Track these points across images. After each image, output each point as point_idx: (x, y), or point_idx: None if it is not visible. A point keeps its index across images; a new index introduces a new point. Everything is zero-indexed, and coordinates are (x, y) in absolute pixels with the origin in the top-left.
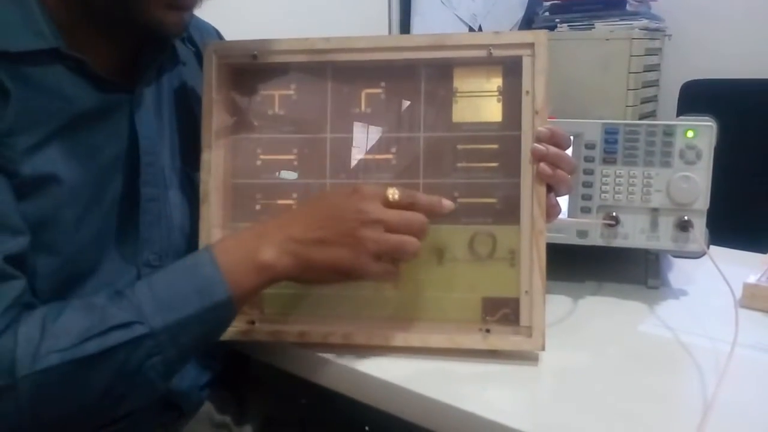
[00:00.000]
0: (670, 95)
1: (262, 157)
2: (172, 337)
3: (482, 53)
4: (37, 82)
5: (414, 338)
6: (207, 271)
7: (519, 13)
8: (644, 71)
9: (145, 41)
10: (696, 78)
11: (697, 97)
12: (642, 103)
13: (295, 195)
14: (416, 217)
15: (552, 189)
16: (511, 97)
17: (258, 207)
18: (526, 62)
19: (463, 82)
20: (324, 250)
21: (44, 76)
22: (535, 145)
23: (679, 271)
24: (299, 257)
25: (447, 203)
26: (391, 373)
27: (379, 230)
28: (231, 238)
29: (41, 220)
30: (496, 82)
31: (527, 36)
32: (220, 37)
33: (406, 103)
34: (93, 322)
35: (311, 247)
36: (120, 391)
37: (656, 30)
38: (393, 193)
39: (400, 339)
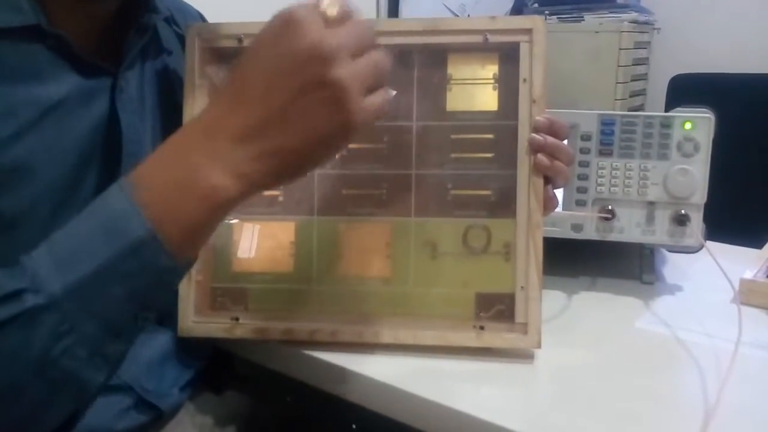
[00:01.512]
0: (658, 89)
1: None
2: (82, 305)
3: (478, 39)
4: (16, 63)
5: (405, 335)
6: (117, 203)
7: (508, 4)
8: (633, 64)
9: (126, 23)
10: (684, 72)
11: (686, 91)
12: (631, 96)
13: (281, 186)
14: (366, 24)
15: (549, 181)
16: (508, 85)
17: None
18: (523, 49)
19: (457, 69)
20: (296, 123)
21: (23, 57)
22: (533, 135)
23: (674, 266)
24: (265, 157)
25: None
26: (381, 371)
27: (347, 60)
28: (152, 157)
29: (15, 216)
30: (491, 69)
31: (525, 21)
32: (203, 20)
33: (398, 91)
34: None
35: (277, 130)
36: (35, 390)
37: (645, 23)
38: (330, 6)
39: (390, 336)
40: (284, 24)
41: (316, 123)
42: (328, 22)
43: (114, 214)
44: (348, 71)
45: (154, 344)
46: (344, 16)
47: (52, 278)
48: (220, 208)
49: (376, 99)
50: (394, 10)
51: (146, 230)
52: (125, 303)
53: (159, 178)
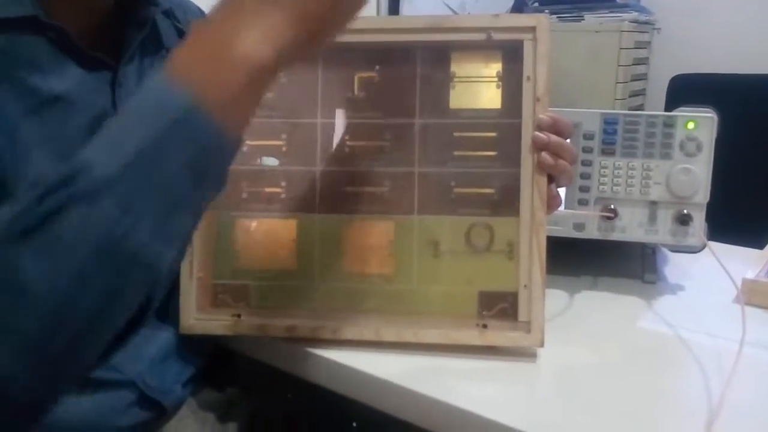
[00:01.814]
0: (658, 89)
1: (248, 142)
2: (138, 179)
3: (481, 36)
4: (16, 54)
5: (407, 333)
6: (159, 83)
7: (508, 3)
8: (633, 64)
9: (124, 15)
10: (684, 72)
11: (685, 91)
12: (630, 96)
13: (283, 183)
14: None
15: (552, 179)
16: (511, 82)
17: (245, 195)
18: (527, 47)
19: (460, 67)
20: None
21: (24, 48)
22: (537, 133)
23: (675, 265)
24: (293, 17)
25: None
26: (384, 369)
27: None
28: (190, 40)
29: None
30: (495, 67)
31: (529, 19)
32: (204, 16)
33: (401, 88)
34: (29, 196)
35: None
36: (102, 277)
37: (645, 23)
38: None
39: (392, 334)
40: None
41: None
42: None
43: (154, 94)
44: None
45: (156, 341)
46: None
47: (102, 161)
48: (256, 75)
49: None
50: (394, 8)
51: (187, 100)
52: (181, 174)
53: (194, 53)
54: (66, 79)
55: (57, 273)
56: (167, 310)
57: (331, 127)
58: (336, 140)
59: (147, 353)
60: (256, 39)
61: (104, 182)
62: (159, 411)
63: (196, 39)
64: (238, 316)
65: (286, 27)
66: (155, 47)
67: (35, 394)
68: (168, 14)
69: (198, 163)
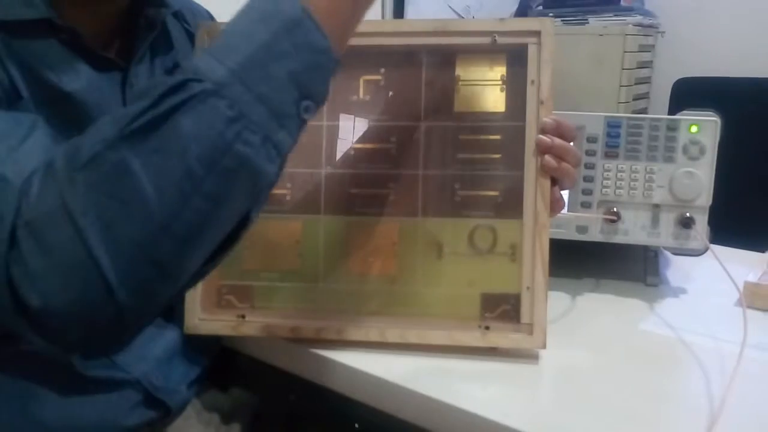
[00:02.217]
0: (661, 92)
1: None
2: (249, 86)
3: (486, 40)
4: (29, 55)
5: (410, 334)
6: None
7: (512, 6)
8: (637, 68)
9: (135, 17)
10: (688, 75)
11: (689, 94)
12: (634, 99)
13: (288, 184)
14: None
15: (556, 182)
16: (516, 86)
17: None
18: (531, 51)
19: (465, 70)
20: None
21: (37, 49)
22: (540, 136)
23: (678, 268)
24: None
25: None
26: (387, 370)
27: None
28: None
29: None
30: (499, 71)
31: (533, 23)
32: (212, 19)
33: (407, 91)
34: (141, 101)
35: None
36: (210, 184)
37: (650, 27)
38: None
39: (396, 335)
40: None
41: None
42: None
43: (268, 3)
44: None
45: (162, 341)
46: None
47: (214, 67)
48: None
49: None
50: (399, 12)
51: (299, 9)
52: (287, 84)
53: None
54: (77, 79)
55: (167, 176)
56: (172, 310)
57: (337, 130)
58: (341, 143)
59: (152, 353)
60: None
61: (215, 86)
62: (164, 411)
63: None
64: (243, 316)
65: None
66: (166, 48)
67: (139, 302)
68: (177, 16)
69: (302, 74)
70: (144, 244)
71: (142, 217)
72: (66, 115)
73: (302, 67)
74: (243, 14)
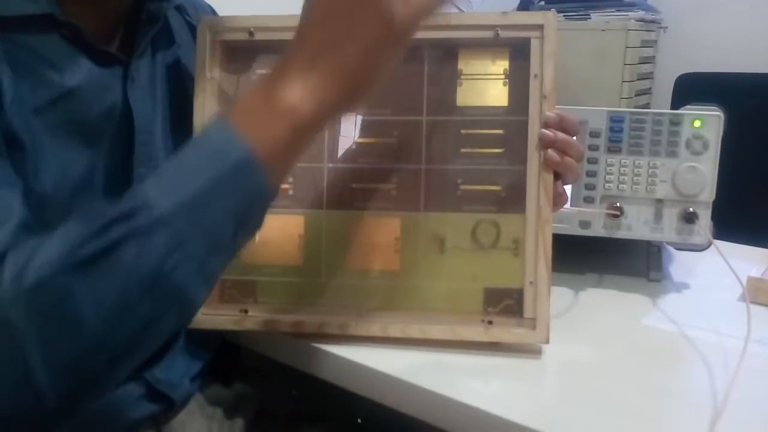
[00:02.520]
0: (664, 88)
1: None
2: (191, 221)
3: (489, 34)
4: (31, 50)
5: (413, 329)
6: (217, 133)
7: (514, 1)
8: (639, 63)
9: (137, 12)
10: (690, 71)
11: (692, 89)
12: (637, 95)
13: (290, 179)
14: None
15: (559, 177)
16: (518, 80)
17: None
18: (534, 44)
19: (468, 64)
20: (351, 38)
21: (38, 45)
22: (543, 130)
23: (681, 264)
24: (335, 72)
25: None
26: (389, 364)
27: None
28: (245, 95)
29: (42, 196)
30: (502, 65)
31: (536, 17)
32: (214, 13)
33: (409, 86)
34: (91, 224)
35: (337, 49)
36: (145, 308)
37: (652, 22)
38: None
39: (398, 330)
40: None
41: (368, 30)
42: None
43: (215, 141)
44: None
45: None
46: None
47: (161, 198)
48: (301, 128)
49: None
50: None
51: (245, 153)
52: (226, 220)
53: (250, 105)
54: (78, 73)
55: (107, 301)
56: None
57: (339, 125)
58: (343, 137)
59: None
60: (303, 96)
61: (160, 218)
62: (167, 404)
63: (253, 92)
64: (245, 311)
65: (330, 85)
66: (167, 42)
67: (65, 406)
68: (180, 9)
69: (243, 211)
70: (78, 361)
71: (79, 338)
72: (69, 111)
73: (242, 207)
74: (194, 147)
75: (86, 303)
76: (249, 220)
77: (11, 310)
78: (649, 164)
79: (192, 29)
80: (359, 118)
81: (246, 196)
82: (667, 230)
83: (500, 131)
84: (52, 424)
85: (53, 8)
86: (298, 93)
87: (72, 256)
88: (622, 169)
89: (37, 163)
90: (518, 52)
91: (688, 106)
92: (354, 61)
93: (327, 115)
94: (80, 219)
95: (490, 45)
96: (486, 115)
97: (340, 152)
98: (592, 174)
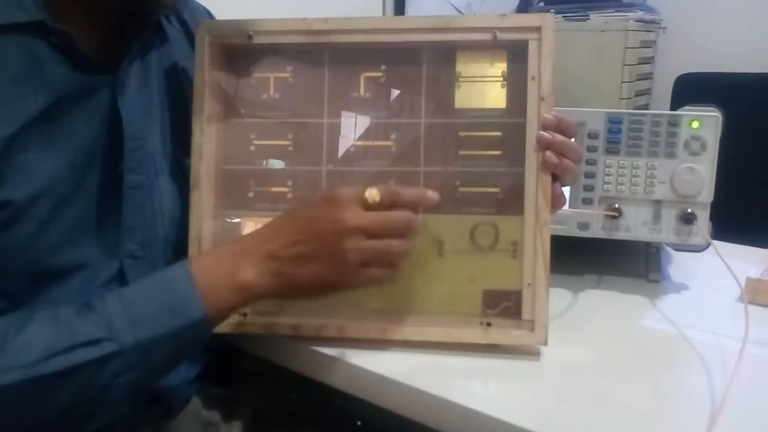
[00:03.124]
0: (663, 88)
1: (255, 142)
2: (143, 356)
3: (486, 36)
4: (18, 59)
5: (412, 332)
6: (182, 288)
7: (513, 2)
8: (639, 63)
9: (131, 18)
10: (690, 71)
11: (691, 90)
12: (636, 95)
13: (289, 182)
14: (399, 217)
15: (557, 178)
16: (516, 82)
17: (251, 194)
18: (532, 47)
19: (466, 67)
20: (305, 266)
21: (26, 53)
22: (541, 132)
23: (679, 264)
24: (281, 275)
25: (432, 194)
26: (388, 367)
27: (360, 239)
28: (208, 255)
29: (15, 210)
30: (500, 67)
31: (534, 19)
32: (212, 17)
33: (407, 88)
34: (59, 337)
35: (293, 263)
36: (83, 409)
37: (651, 22)
38: (372, 195)
39: (397, 332)
40: (330, 196)
41: (319, 272)
42: (367, 205)
43: (180, 296)
44: (353, 246)
45: None
46: (384, 204)
47: (125, 332)
48: (246, 299)
49: (369, 276)
50: (400, 8)
51: (202, 314)
52: (170, 358)
53: (212, 272)
54: (66, 82)
55: (57, 404)
56: None
57: (338, 127)
58: (342, 140)
59: None
60: (255, 276)
61: (121, 350)
62: (165, 409)
63: (219, 259)
64: (244, 314)
65: (274, 276)
66: (160, 41)
67: None
68: (170, 20)
69: (184, 352)
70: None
71: (25, 424)
72: (57, 119)
73: (184, 350)
74: (160, 288)
75: (39, 405)
76: (185, 356)
77: None
78: (647, 165)
79: (188, 36)
80: (359, 120)
81: (190, 344)
82: (666, 231)
83: (498, 133)
84: None
85: (42, 15)
86: (252, 274)
87: (39, 367)
88: (620, 170)
89: (12, 169)
90: (516, 55)
91: (686, 107)
92: (298, 279)
93: (262, 297)
94: (50, 323)
95: (488, 47)
96: (484, 117)
97: (340, 155)
98: (590, 175)
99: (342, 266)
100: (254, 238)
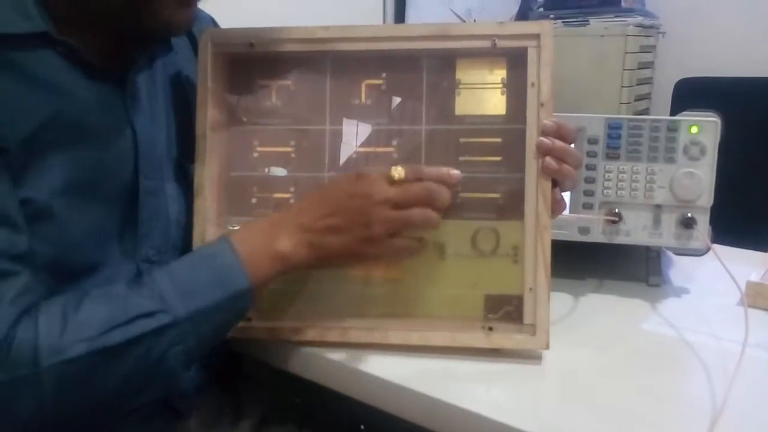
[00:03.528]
0: (663, 93)
1: (258, 149)
2: (195, 326)
3: (486, 44)
4: (26, 68)
5: (414, 336)
6: (227, 260)
7: (513, 8)
8: (638, 68)
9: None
10: (689, 76)
11: (691, 95)
12: (636, 100)
13: (292, 189)
14: (423, 188)
15: (557, 184)
16: (516, 89)
17: (254, 201)
18: (531, 53)
19: (466, 74)
20: (337, 237)
21: (33, 63)
22: (541, 138)
23: (680, 269)
24: (314, 246)
25: (454, 172)
26: (391, 371)
27: (386, 209)
28: (246, 229)
29: (35, 211)
30: (500, 74)
31: (533, 27)
32: (215, 25)
33: (408, 95)
34: (116, 312)
35: (325, 235)
36: (141, 380)
37: (651, 27)
38: (398, 172)
39: (399, 337)
40: (359, 175)
41: (349, 242)
42: (393, 182)
43: (226, 268)
44: (380, 216)
45: None
46: (409, 180)
47: (177, 304)
48: (283, 269)
49: (397, 243)
50: (400, 16)
51: (248, 283)
52: (218, 329)
53: (252, 244)
54: (77, 91)
55: (117, 376)
56: None
57: (340, 134)
58: (343, 147)
59: None
60: (290, 247)
61: (174, 321)
62: (173, 416)
63: (258, 232)
64: (249, 320)
65: (307, 247)
66: (165, 49)
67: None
68: None
69: (232, 321)
70: (82, 410)
71: (89, 399)
72: (69, 128)
73: (232, 319)
74: (205, 262)
75: (103, 376)
76: (230, 326)
77: (45, 372)
78: (647, 170)
79: (193, 43)
80: (360, 127)
81: (237, 314)
82: (666, 235)
83: (498, 139)
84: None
85: (48, 26)
86: (288, 245)
87: (102, 340)
88: (620, 175)
89: (34, 176)
90: (515, 61)
91: (685, 112)
92: (329, 249)
93: (297, 267)
94: (106, 299)
95: (487, 54)
96: (484, 123)
97: (341, 162)
98: (590, 180)
99: (369, 237)
100: (288, 212)
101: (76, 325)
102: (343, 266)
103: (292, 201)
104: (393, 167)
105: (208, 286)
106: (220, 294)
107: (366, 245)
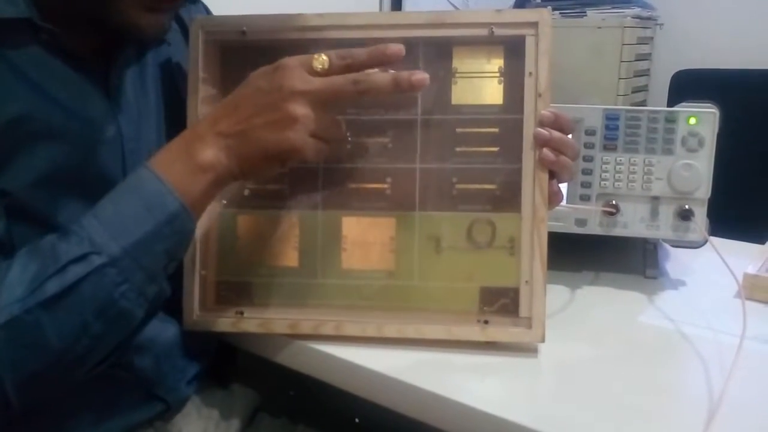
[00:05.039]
0: (660, 85)
1: None
2: (134, 260)
3: (483, 32)
4: (7, 56)
5: (409, 329)
6: (151, 186)
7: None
8: (636, 60)
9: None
10: (687, 68)
11: (688, 86)
12: (633, 92)
13: (285, 180)
14: (347, 80)
15: (554, 175)
16: (513, 78)
17: (247, 192)
18: (529, 42)
19: (462, 63)
20: (254, 138)
21: (15, 51)
22: (538, 129)
23: (677, 261)
24: (232, 150)
25: (395, 46)
26: (385, 364)
27: (305, 105)
28: (165, 150)
29: (11, 203)
30: (497, 63)
31: (531, 14)
32: (208, 12)
33: None
34: (46, 263)
35: (242, 138)
36: (97, 328)
37: (648, 19)
38: (321, 61)
39: (394, 330)
40: (276, 65)
41: (266, 142)
42: (314, 72)
43: (152, 194)
44: (300, 110)
45: (160, 338)
46: (336, 69)
47: (110, 243)
48: (214, 182)
49: (318, 144)
50: (397, 3)
51: (179, 204)
52: (161, 256)
53: (173, 164)
54: (58, 81)
55: (67, 328)
56: (170, 307)
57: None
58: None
59: (151, 350)
60: (213, 155)
61: (110, 260)
62: (163, 407)
63: (176, 150)
64: (241, 313)
65: (226, 152)
66: (156, 42)
67: (26, 404)
68: None
69: (174, 248)
70: (40, 373)
71: (44, 357)
72: (53, 117)
73: (174, 245)
74: (130, 194)
75: (51, 331)
76: (177, 254)
77: None
78: (644, 162)
79: (184, 31)
80: (354, 117)
81: (178, 239)
82: (663, 227)
83: (495, 130)
84: (11, 415)
85: (32, 12)
86: (210, 154)
87: (38, 294)
88: (617, 166)
89: (10, 168)
90: (513, 50)
91: (683, 104)
92: (248, 149)
93: (229, 177)
94: (33, 255)
95: (484, 43)
96: (481, 113)
97: (334, 152)
98: (587, 172)
99: (288, 129)
100: (204, 121)
101: (7, 287)
102: (268, 170)
103: (285, 193)
104: (316, 54)
105: (138, 218)
106: (152, 222)
107: (286, 141)
